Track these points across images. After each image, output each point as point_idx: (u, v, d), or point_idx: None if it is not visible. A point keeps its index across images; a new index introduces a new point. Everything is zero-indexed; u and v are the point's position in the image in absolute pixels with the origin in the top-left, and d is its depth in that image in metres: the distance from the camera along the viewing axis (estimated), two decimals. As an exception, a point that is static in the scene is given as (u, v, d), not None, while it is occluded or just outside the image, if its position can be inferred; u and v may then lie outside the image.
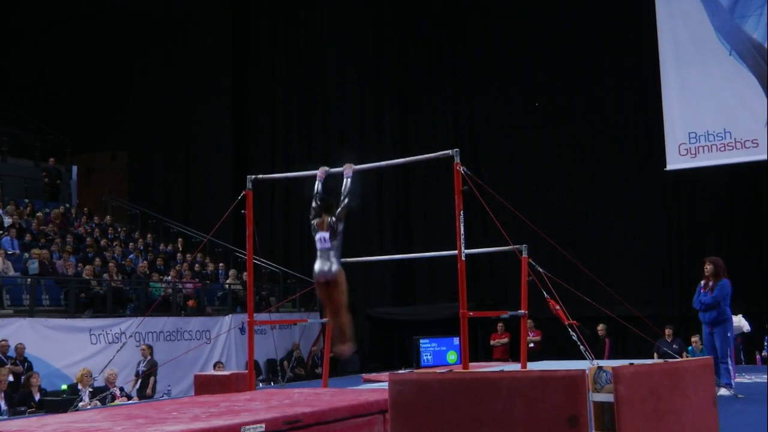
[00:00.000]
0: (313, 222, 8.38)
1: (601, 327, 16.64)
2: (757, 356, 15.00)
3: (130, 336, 14.42)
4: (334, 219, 8.20)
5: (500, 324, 17.57)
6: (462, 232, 7.66)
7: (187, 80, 23.40)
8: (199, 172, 23.29)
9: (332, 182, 8.66)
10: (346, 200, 8.18)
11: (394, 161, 9.46)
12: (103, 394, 11.93)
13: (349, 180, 8.29)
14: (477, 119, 20.28)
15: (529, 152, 19.25)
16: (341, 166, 8.42)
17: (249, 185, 9.28)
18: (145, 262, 18.02)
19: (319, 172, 8.70)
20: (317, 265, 8.18)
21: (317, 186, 8.52)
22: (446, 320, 17.20)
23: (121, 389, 13.22)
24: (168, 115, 23.51)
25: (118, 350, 10.68)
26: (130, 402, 12.07)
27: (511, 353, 17.13)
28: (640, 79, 17.88)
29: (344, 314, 8.19)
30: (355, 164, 8.43)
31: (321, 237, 8.27)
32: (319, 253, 8.24)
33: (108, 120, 24.01)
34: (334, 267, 8.17)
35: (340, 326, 8.31)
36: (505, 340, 17.51)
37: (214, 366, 15.23)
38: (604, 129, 18.51)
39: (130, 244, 19.66)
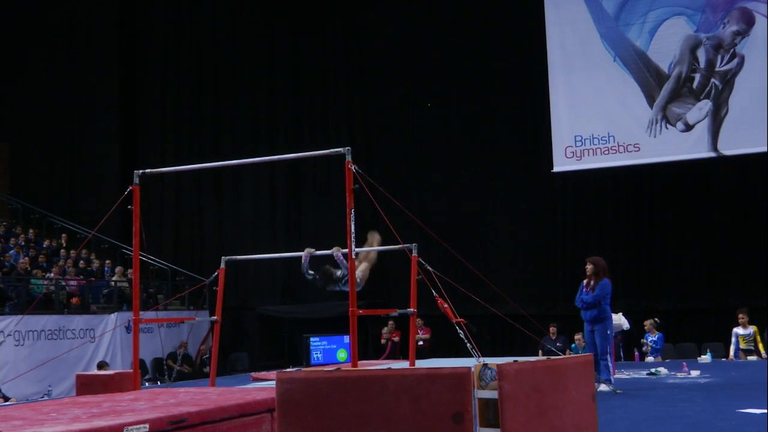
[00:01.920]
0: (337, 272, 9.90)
1: (387, 329, 17.23)
2: (636, 353, 15.54)
3: (9, 335, 13.95)
4: (340, 273, 9.86)
5: (391, 322, 17.70)
6: (353, 230, 7.68)
7: (72, 68, 22.70)
8: (84, 165, 22.66)
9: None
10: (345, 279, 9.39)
11: (285, 156, 9.44)
12: (-22, 395, 11.49)
13: (342, 262, 9.59)
14: (370, 118, 20.38)
15: (422, 152, 19.46)
16: (233, 158, 8.33)
17: (136, 180, 9.07)
18: (26, 258, 17.44)
19: (304, 254, 9.80)
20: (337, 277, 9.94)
21: (304, 265, 9.84)
22: (337, 318, 17.24)
23: (-2, 390, 12.78)
24: (51, 105, 22.77)
25: (-4, 349, 10.33)
26: (7, 403, 11.66)
27: (401, 351, 17.29)
28: (530, 81, 18.28)
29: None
30: (245, 157, 8.41)
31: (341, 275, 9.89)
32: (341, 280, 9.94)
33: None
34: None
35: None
36: (396, 338, 17.66)
37: (98, 365, 14.87)
38: (494, 131, 18.86)
39: (11, 239, 18.99)
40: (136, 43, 23.13)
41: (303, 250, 9.77)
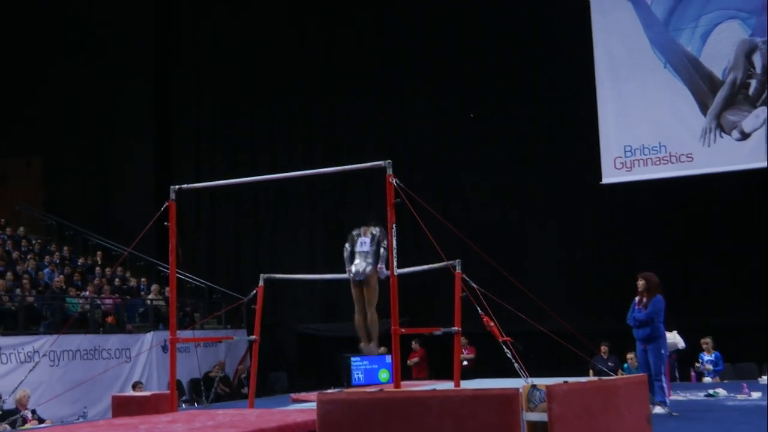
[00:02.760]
0: (354, 233, 9.46)
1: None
2: (692, 373, 15.32)
3: (44, 355, 14.11)
4: (377, 231, 9.32)
5: (414, 342, 17.67)
6: (394, 246, 7.68)
7: (107, 83, 23.02)
8: (120, 181, 22.93)
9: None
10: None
11: (324, 170, 9.46)
12: (13, 417, 11.62)
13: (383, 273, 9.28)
14: (410, 129, 20.37)
15: (464, 164, 19.40)
16: (269, 173, 8.41)
17: (172, 196, 9.17)
18: (61, 276, 17.66)
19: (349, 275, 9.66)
20: (354, 265, 9.31)
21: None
22: (379, 337, 17.20)
23: (33, 412, 12.91)
24: (86, 120, 23.08)
25: (30, 370, 10.46)
26: (42, 426, 11.80)
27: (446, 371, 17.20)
28: (576, 90, 18.16)
29: (373, 312, 9.57)
30: (281, 172, 8.47)
31: (362, 241, 9.35)
32: (357, 255, 9.30)
33: (22, 124, 23.47)
34: (369, 268, 9.22)
35: (368, 323, 9.67)
36: (416, 359, 17.57)
37: (134, 386, 14.99)
38: (540, 141, 18.76)
39: (46, 257, 19.25)
40: (170, 58, 23.42)
41: (346, 269, 9.68)
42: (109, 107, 23.05)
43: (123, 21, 23.20)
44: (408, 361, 17.70)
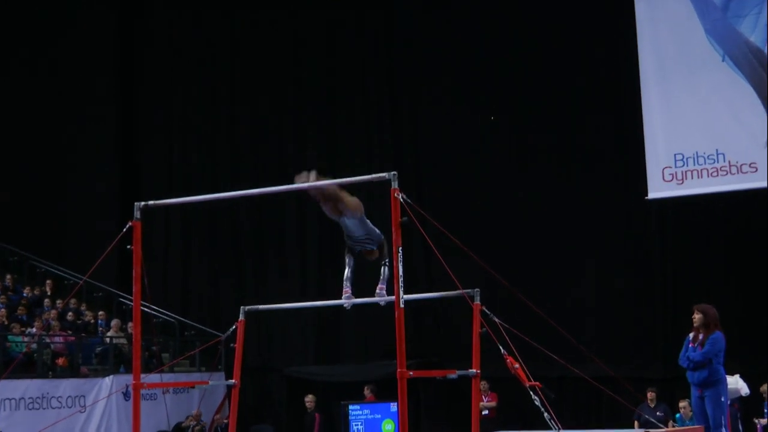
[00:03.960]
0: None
1: (309, 399, 17.68)
2: (758, 425, 15.26)
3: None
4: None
5: (367, 388, 17.84)
6: (400, 273, 7.67)
7: (60, 86, 23.10)
8: (75, 196, 22.93)
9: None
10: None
11: (318, 183, 9.45)
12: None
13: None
14: (420, 136, 20.38)
15: (484, 177, 19.38)
16: (253, 187, 8.43)
17: (137, 214, 9.15)
18: (2, 310, 17.64)
19: (345, 303, 9.57)
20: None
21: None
22: (382, 381, 17.17)
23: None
24: (36, 124, 23.09)
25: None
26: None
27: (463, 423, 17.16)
28: (617, 90, 18.15)
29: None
30: (268, 186, 8.49)
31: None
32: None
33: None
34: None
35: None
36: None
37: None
38: (573, 150, 18.74)
39: (-15, 287, 19.29)
40: (136, 50, 23.48)
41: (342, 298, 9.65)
42: (65, 109, 23.08)
43: (82, 21, 23.27)
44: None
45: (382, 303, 9.29)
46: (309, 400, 17.88)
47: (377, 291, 9.24)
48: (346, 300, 9.45)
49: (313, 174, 9.31)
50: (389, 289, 8.88)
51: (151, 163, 23.03)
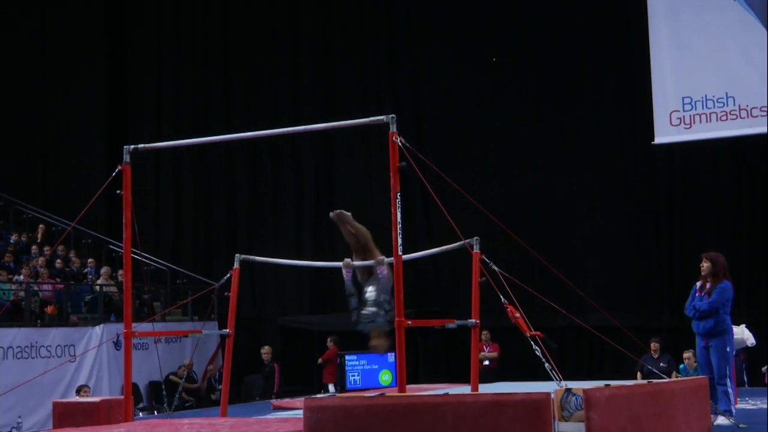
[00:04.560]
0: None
1: (266, 350, 17.95)
2: (765, 376, 15.37)
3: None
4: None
5: (330, 339, 18.26)
6: (399, 220, 7.69)
7: (47, 30, 23.07)
8: (62, 140, 22.92)
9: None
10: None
11: (314, 126, 9.48)
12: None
13: (383, 277, 8.99)
14: (419, 77, 20.32)
15: (485, 121, 19.37)
16: (246, 131, 8.39)
17: (126, 158, 9.17)
18: (-11, 256, 17.74)
19: (344, 273, 9.38)
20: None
21: (347, 285, 9.40)
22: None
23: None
24: (22, 67, 23.03)
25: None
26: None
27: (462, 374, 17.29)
28: (623, 29, 18.09)
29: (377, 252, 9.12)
30: (262, 129, 8.46)
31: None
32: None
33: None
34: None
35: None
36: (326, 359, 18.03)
37: (78, 391, 15.07)
38: (576, 92, 18.71)
39: (-29, 233, 19.33)
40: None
41: (340, 259, 9.58)
42: (53, 51, 22.98)
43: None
44: (319, 360, 18.01)
45: (382, 276, 9.15)
46: (265, 351, 18.12)
47: (377, 267, 9.17)
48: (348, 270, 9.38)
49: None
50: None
51: (141, 106, 22.96)
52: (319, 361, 18.24)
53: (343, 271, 9.33)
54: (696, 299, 10.45)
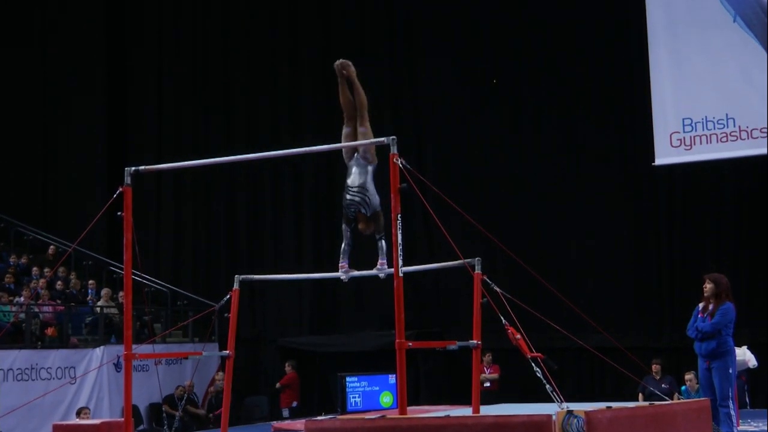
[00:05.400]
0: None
1: (219, 377, 17.36)
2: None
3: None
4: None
5: (288, 364, 18.49)
6: (399, 241, 7.69)
7: (47, 51, 23.12)
8: (62, 162, 22.92)
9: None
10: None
11: (314, 148, 9.50)
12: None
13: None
14: (420, 99, 20.36)
15: (485, 142, 19.39)
16: (247, 152, 8.40)
17: (128, 180, 9.16)
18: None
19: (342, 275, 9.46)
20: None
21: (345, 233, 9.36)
22: (380, 352, 17.23)
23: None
24: (23, 93, 23.08)
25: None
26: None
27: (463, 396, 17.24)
28: (624, 51, 18.14)
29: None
30: (262, 150, 8.46)
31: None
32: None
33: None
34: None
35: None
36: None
37: (78, 413, 15.04)
38: (577, 114, 18.74)
39: (-30, 255, 19.33)
40: (126, 12, 23.37)
41: (339, 269, 9.62)
42: (53, 73, 23.04)
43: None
44: (277, 385, 18.00)
45: (382, 276, 9.28)
46: (219, 378, 17.54)
47: (378, 266, 9.24)
48: (344, 274, 9.45)
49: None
50: (389, 262, 8.90)
51: (142, 127, 22.98)
52: (277, 385, 18.24)
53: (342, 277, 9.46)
54: (698, 320, 10.45)
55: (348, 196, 9.17)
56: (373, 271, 9.35)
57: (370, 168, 9.15)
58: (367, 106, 9.40)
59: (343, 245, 9.37)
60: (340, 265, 9.43)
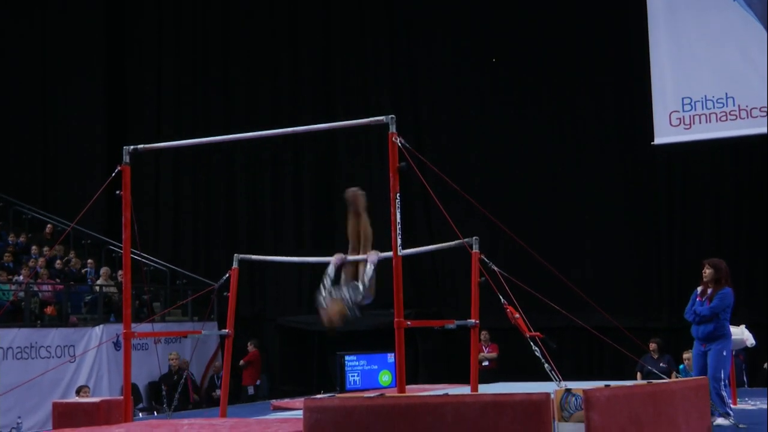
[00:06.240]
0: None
1: (173, 355, 17.39)
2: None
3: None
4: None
5: (250, 343, 18.55)
6: (398, 220, 7.69)
7: (46, 30, 23.09)
8: (61, 140, 22.91)
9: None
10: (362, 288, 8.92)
11: (313, 126, 9.50)
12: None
13: (371, 267, 8.89)
14: (419, 78, 20.32)
15: (484, 122, 19.37)
16: (246, 131, 8.36)
17: (126, 158, 9.18)
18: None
19: (335, 259, 9.12)
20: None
21: (330, 269, 9.08)
22: (379, 332, 17.24)
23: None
24: (22, 73, 23.02)
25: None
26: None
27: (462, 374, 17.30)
28: (623, 29, 18.08)
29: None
30: (261, 129, 8.45)
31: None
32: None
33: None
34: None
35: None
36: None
37: (78, 391, 15.08)
38: (576, 93, 18.71)
39: (-30, 234, 19.34)
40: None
41: (334, 253, 9.47)
42: (52, 52, 22.99)
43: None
44: (240, 362, 18.16)
45: (372, 265, 9.03)
46: (173, 357, 17.37)
47: (369, 258, 9.03)
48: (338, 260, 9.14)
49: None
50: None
51: (141, 106, 22.96)
52: (241, 362, 18.23)
53: (333, 260, 9.11)
54: (697, 304, 10.47)
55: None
56: (362, 256, 9.15)
57: (369, 267, 8.91)
58: (372, 240, 9.09)
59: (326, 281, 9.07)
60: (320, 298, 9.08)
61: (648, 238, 18.21)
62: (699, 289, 10.55)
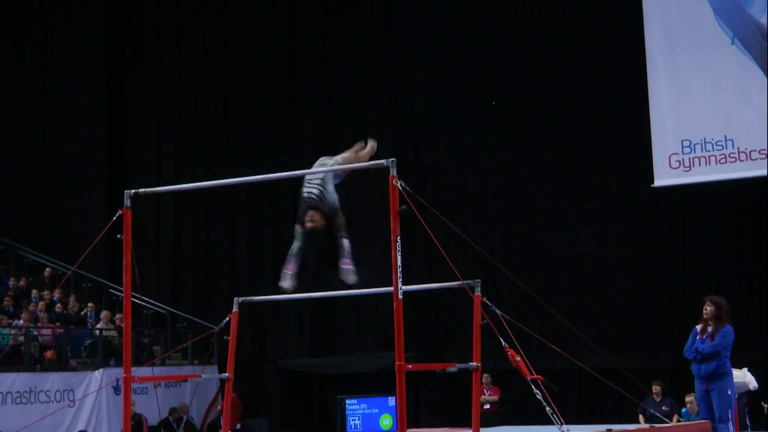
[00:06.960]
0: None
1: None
2: (766, 409, 15.29)
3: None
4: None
5: None
6: (399, 263, 7.68)
7: (48, 72, 23.18)
8: (62, 186, 22.92)
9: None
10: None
11: (313, 171, 9.48)
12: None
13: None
14: (419, 121, 20.37)
15: (485, 164, 19.40)
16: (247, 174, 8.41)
17: (127, 202, 9.16)
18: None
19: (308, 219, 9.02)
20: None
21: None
22: (380, 374, 17.19)
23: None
24: (23, 116, 23.11)
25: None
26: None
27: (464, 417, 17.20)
28: (623, 73, 18.15)
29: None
30: (262, 172, 8.48)
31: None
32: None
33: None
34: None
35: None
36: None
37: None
38: (576, 135, 18.73)
39: (-30, 278, 19.32)
40: (126, 30, 23.43)
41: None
42: (53, 95, 23.08)
43: (74, 5, 23.28)
44: (218, 407, 18.04)
45: (351, 280, 9.02)
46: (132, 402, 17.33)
47: (342, 267, 8.99)
48: (289, 281, 9.09)
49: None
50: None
51: (141, 149, 23.01)
52: (218, 408, 18.14)
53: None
54: (698, 342, 10.44)
55: (305, 190, 8.96)
56: (342, 277, 9.13)
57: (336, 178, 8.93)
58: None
59: (293, 246, 9.07)
60: (285, 267, 9.08)
61: (649, 278, 18.17)
62: (698, 327, 10.54)
